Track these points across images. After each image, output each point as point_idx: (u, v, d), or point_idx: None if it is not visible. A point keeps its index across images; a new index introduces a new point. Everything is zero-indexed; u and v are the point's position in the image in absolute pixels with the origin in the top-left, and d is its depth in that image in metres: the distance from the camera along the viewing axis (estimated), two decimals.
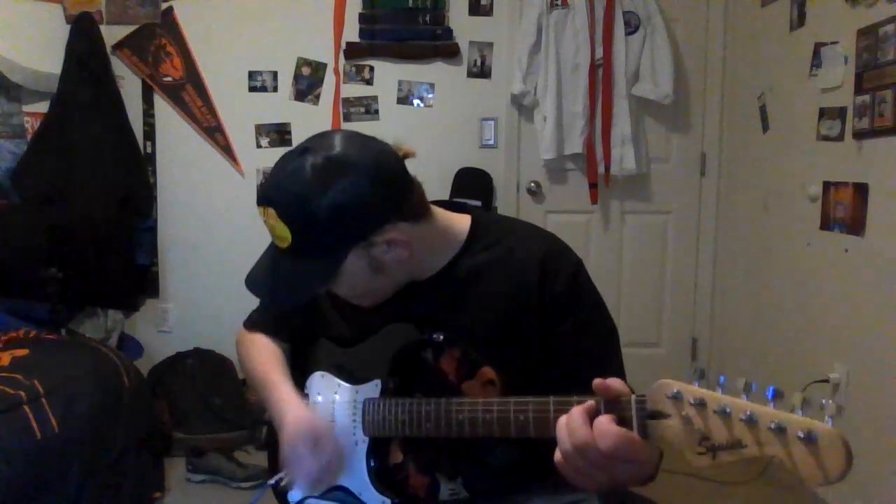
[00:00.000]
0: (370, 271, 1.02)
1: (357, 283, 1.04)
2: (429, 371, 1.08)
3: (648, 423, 0.79)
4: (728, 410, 0.72)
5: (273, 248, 1.04)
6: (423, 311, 1.09)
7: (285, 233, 0.98)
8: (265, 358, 1.23)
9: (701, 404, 0.74)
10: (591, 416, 0.82)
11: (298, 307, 1.19)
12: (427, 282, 1.10)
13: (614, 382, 0.83)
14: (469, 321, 1.08)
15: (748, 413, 0.70)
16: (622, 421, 0.81)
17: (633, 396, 0.81)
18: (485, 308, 1.08)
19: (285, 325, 1.26)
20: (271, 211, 0.98)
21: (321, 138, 1.02)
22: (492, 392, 1.06)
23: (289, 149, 1.05)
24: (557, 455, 0.84)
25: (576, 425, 0.82)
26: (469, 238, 1.11)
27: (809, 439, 0.66)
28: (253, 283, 1.07)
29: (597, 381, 0.84)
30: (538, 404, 0.92)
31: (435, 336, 1.08)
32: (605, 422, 0.80)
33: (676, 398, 0.76)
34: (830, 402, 0.71)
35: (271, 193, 0.99)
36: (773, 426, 0.68)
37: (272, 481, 1.17)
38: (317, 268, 1.00)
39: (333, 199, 0.95)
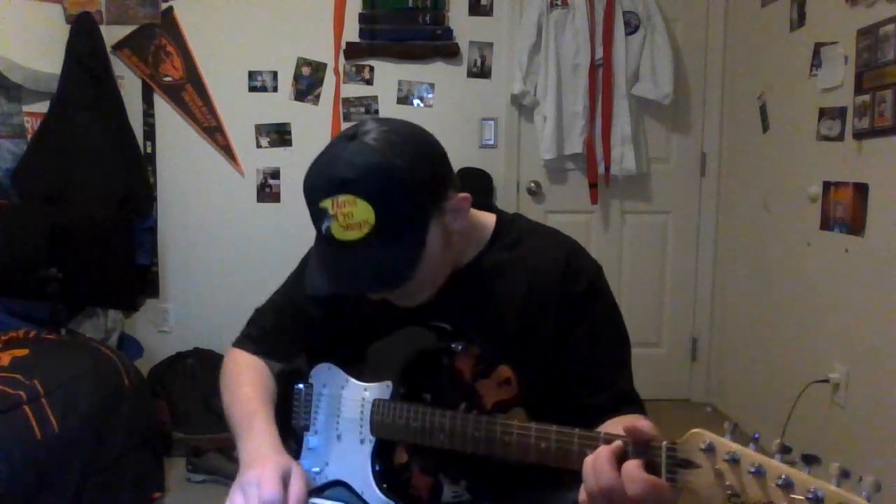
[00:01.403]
0: (443, 245, 1.01)
1: (434, 262, 1.00)
2: (443, 369, 1.08)
3: (678, 471, 0.78)
4: (763, 471, 0.70)
5: (339, 245, 0.94)
6: (444, 305, 1.08)
7: (367, 215, 0.92)
8: (255, 387, 1.14)
9: (734, 460, 0.73)
10: (619, 458, 0.81)
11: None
12: (451, 276, 1.09)
13: (644, 424, 0.82)
14: (490, 317, 1.08)
15: (784, 477, 0.69)
16: (650, 466, 0.80)
17: (664, 443, 0.80)
18: (506, 305, 1.08)
19: (284, 339, 1.21)
20: (346, 197, 0.92)
21: (358, 126, 0.99)
22: (507, 391, 1.06)
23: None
24: (582, 494, 0.83)
25: (603, 467, 0.81)
26: (494, 235, 1.11)
27: None
28: (328, 282, 0.99)
29: (627, 424, 0.83)
30: (561, 434, 0.90)
31: (454, 345, 1.07)
32: (633, 467, 0.79)
33: (709, 450, 0.75)
34: (870, 478, 0.69)
35: (343, 177, 0.92)
36: (809, 495, 0.66)
37: None
38: (405, 245, 0.96)
39: (410, 159, 0.94)
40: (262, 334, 1.23)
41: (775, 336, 2.87)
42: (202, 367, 3.11)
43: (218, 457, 2.66)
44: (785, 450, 0.71)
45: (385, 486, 1.08)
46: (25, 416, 1.87)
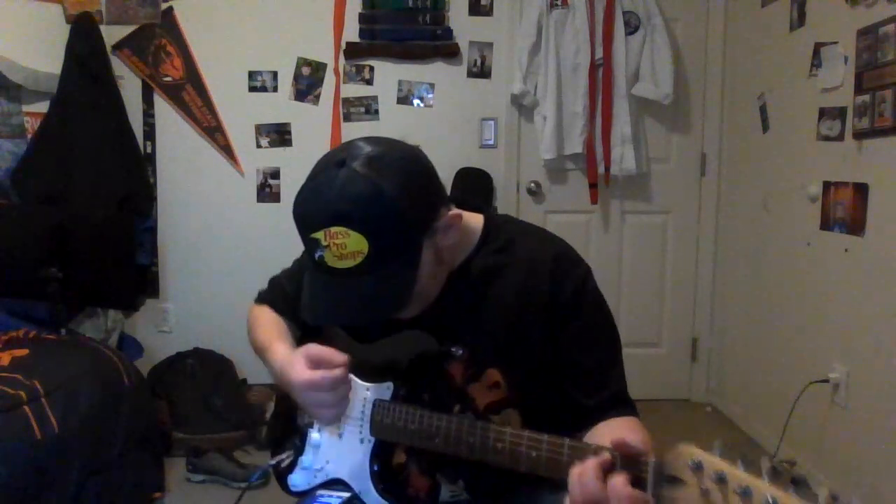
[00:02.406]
0: (435, 262, 1.01)
1: (426, 279, 1.01)
2: (436, 374, 1.09)
3: (664, 487, 0.77)
4: (749, 492, 0.69)
5: (332, 272, 0.95)
6: (435, 310, 1.08)
7: (360, 245, 0.92)
8: (269, 326, 1.24)
9: (721, 480, 0.72)
10: (606, 471, 0.81)
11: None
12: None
13: (633, 438, 0.82)
14: (480, 321, 1.08)
15: (770, 499, 0.67)
16: (637, 480, 0.79)
17: (652, 459, 0.79)
18: (496, 309, 1.08)
19: (293, 310, 1.24)
20: (339, 229, 0.92)
21: (346, 149, 0.98)
22: (497, 393, 1.07)
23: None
24: None
25: (589, 480, 0.81)
26: (482, 238, 1.11)
27: None
28: (324, 313, 1.01)
29: (616, 439, 0.83)
30: (552, 444, 0.90)
31: (454, 349, 1.07)
32: (620, 482, 0.79)
33: (697, 468, 0.74)
34: (858, 501, 0.68)
35: (335, 209, 0.92)
36: None
37: (273, 461, 1.18)
38: (398, 272, 0.96)
39: (400, 186, 0.93)
40: (273, 299, 1.29)
41: (775, 336, 2.87)
42: (202, 367, 3.11)
43: (218, 457, 2.66)
44: (775, 471, 0.70)
45: (382, 486, 1.08)
46: (25, 416, 1.87)
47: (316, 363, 1.03)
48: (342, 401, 1.04)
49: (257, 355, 1.24)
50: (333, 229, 0.92)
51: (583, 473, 0.82)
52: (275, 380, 1.15)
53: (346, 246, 0.92)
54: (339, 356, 1.02)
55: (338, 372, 1.01)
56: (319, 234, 0.93)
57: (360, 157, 0.95)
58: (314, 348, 1.04)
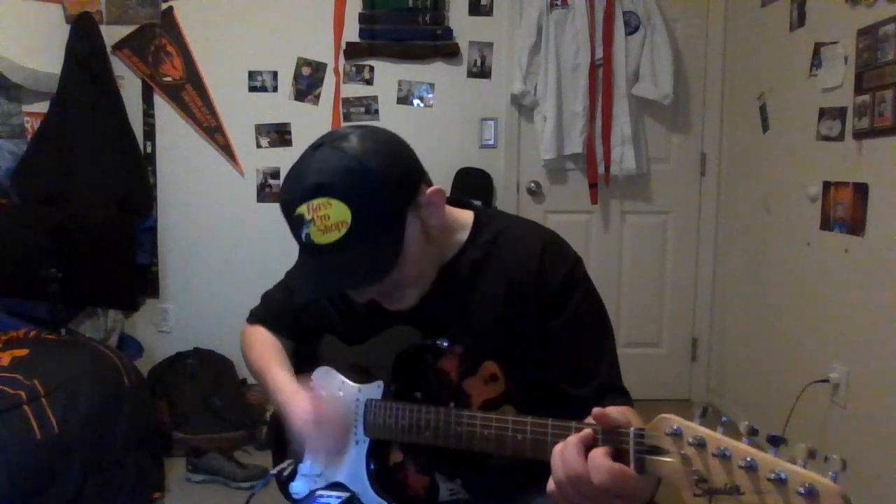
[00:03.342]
0: (422, 240, 1.02)
1: (414, 257, 1.01)
2: (430, 371, 1.09)
3: (645, 458, 0.77)
4: (728, 454, 0.69)
5: (319, 251, 0.96)
6: (426, 306, 1.09)
7: (343, 215, 0.93)
8: (264, 349, 1.26)
9: (701, 444, 0.72)
10: (587, 446, 0.82)
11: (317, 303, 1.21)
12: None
13: (614, 411, 0.82)
14: (471, 316, 1.08)
15: (748, 459, 0.68)
16: (619, 453, 0.79)
17: (632, 429, 0.79)
18: (486, 302, 1.08)
19: (286, 321, 1.27)
20: (320, 200, 0.94)
21: (325, 135, 1.02)
22: (495, 387, 1.07)
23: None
24: (550, 483, 0.83)
25: (570, 456, 0.81)
26: (471, 234, 1.12)
27: (810, 495, 0.63)
28: (314, 289, 1.02)
29: (596, 411, 0.83)
30: (536, 426, 0.91)
31: (439, 342, 1.08)
32: (599, 455, 0.79)
33: (676, 435, 0.74)
34: (836, 456, 0.68)
35: (315, 181, 0.94)
36: (773, 476, 0.66)
37: (275, 471, 1.19)
38: (383, 241, 0.97)
39: (379, 157, 0.96)
40: (267, 312, 1.31)
41: (775, 336, 2.87)
42: (202, 367, 3.11)
43: (218, 457, 2.66)
44: (752, 432, 0.70)
45: (379, 485, 1.08)
46: (25, 416, 1.87)
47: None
48: (339, 445, 1.11)
49: (254, 378, 1.28)
50: (316, 201, 0.94)
51: (564, 450, 0.82)
52: (273, 404, 1.20)
53: (329, 217, 0.94)
54: (330, 417, 1.11)
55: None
56: (303, 209, 0.95)
57: (337, 139, 0.98)
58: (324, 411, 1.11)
